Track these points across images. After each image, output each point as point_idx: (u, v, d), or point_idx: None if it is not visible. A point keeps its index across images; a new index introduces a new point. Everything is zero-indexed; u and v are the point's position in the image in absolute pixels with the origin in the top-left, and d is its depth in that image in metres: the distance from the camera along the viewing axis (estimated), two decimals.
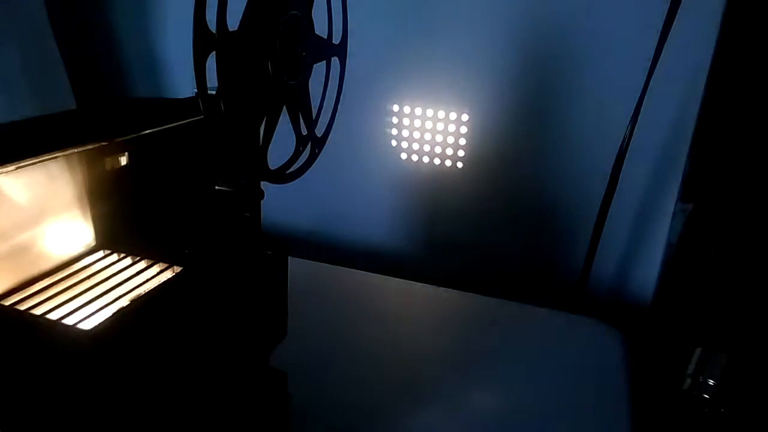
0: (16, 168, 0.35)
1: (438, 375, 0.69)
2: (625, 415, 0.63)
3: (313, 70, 0.39)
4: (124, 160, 0.43)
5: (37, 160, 0.37)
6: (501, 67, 0.87)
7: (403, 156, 0.98)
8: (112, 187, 0.43)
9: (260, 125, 0.36)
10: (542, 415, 0.64)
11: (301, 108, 0.40)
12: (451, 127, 0.93)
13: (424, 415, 0.62)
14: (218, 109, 0.32)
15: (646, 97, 0.77)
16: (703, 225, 0.76)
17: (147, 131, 0.44)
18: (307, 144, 0.42)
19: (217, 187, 0.38)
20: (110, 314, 0.35)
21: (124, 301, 0.38)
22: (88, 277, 0.41)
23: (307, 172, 0.41)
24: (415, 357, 0.71)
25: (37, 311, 0.36)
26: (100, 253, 0.44)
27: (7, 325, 0.35)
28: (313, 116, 0.41)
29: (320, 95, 0.43)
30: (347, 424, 0.57)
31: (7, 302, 0.36)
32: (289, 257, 0.45)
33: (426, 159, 0.97)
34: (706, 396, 0.62)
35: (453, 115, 0.92)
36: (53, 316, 0.35)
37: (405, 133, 0.96)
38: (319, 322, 0.72)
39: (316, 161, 0.42)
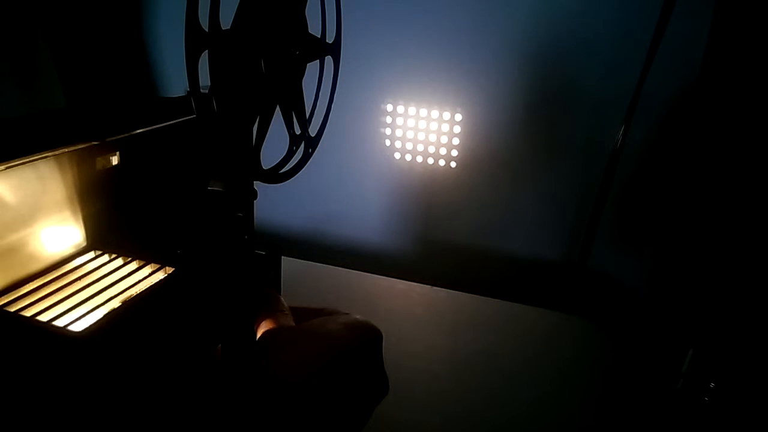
0: (6, 168, 0.35)
1: (431, 373, 0.69)
2: (615, 414, 0.64)
3: (307, 69, 0.39)
4: (115, 160, 0.43)
5: (27, 159, 0.36)
6: (494, 66, 0.87)
7: (397, 156, 0.98)
8: (103, 187, 0.43)
9: (253, 124, 0.36)
10: (535, 414, 0.64)
11: (294, 107, 0.40)
12: (445, 127, 0.93)
13: (418, 414, 0.62)
14: (210, 108, 0.32)
15: (639, 96, 0.77)
16: (695, 225, 0.76)
17: (138, 130, 0.44)
18: (301, 143, 0.41)
19: (209, 187, 0.37)
20: (102, 316, 0.35)
21: (116, 303, 0.38)
22: (79, 279, 0.40)
23: (300, 172, 0.41)
24: (408, 356, 0.71)
25: (28, 313, 0.35)
26: (91, 254, 0.43)
27: None
28: (307, 116, 0.41)
29: (314, 94, 0.43)
30: None
31: None
32: (283, 257, 0.45)
33: (420, 159, 0.97)
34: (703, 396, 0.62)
35: (447, 115, 0.92)
36: (44, 318, 0.35)
37: (399, 132, 0.96)
38: None
39: (309, 161, 0.42)
